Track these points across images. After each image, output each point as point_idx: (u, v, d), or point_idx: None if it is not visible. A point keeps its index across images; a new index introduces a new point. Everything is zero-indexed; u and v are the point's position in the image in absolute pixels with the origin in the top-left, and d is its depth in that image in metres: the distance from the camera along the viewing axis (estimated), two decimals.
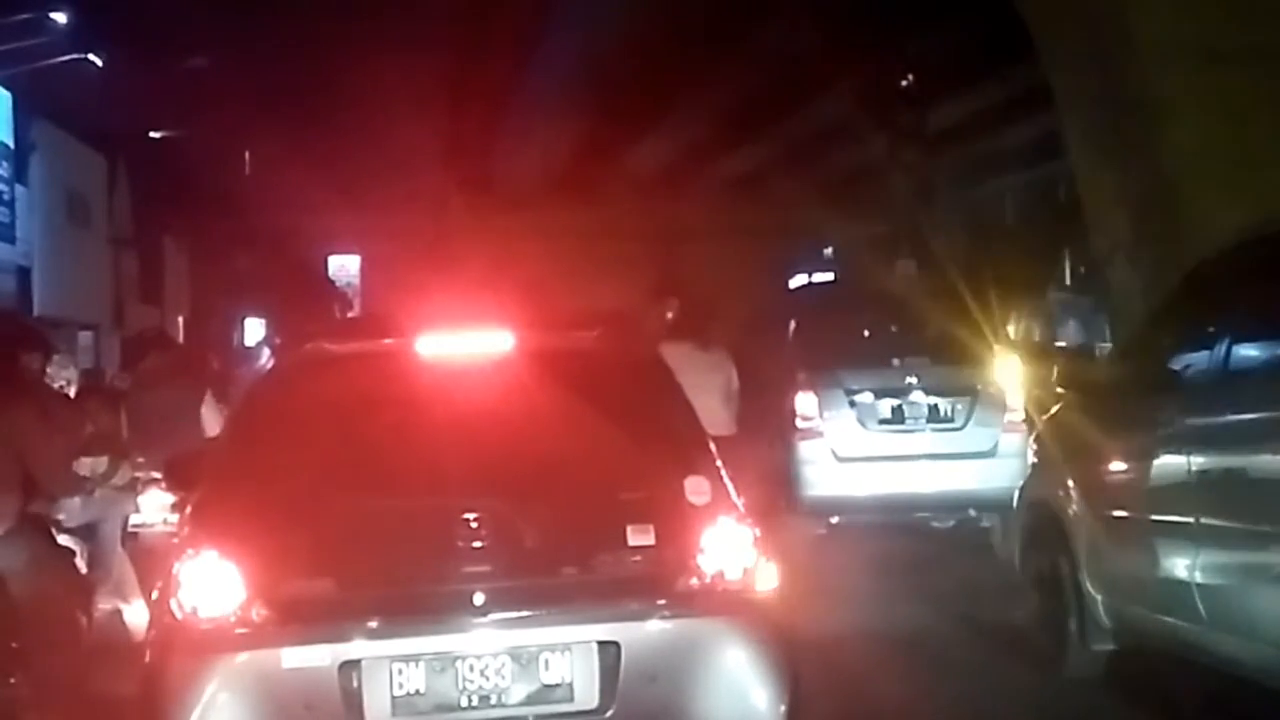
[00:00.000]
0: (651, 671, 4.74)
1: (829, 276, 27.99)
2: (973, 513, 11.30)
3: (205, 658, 4.67)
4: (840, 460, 11.25)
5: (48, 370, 8.65)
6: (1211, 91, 11.09)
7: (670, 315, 9.94)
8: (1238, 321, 5.98)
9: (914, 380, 11.32)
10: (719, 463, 5.18)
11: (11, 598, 6.95)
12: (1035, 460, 8.10)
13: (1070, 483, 7.18)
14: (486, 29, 24.65)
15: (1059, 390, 7.97)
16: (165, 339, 11.91)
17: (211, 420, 8.99)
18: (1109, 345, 12.94)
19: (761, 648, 4.83)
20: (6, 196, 28.58)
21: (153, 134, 35.49)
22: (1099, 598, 6.84)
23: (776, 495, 10.94)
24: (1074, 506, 7.08)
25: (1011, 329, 16.46)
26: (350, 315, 31.90)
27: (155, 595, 5.09)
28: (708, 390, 8.94)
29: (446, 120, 29.30)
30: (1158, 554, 6.27)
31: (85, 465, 8.32)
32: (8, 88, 27.78)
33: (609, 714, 4.72)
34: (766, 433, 10.97)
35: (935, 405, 11.30)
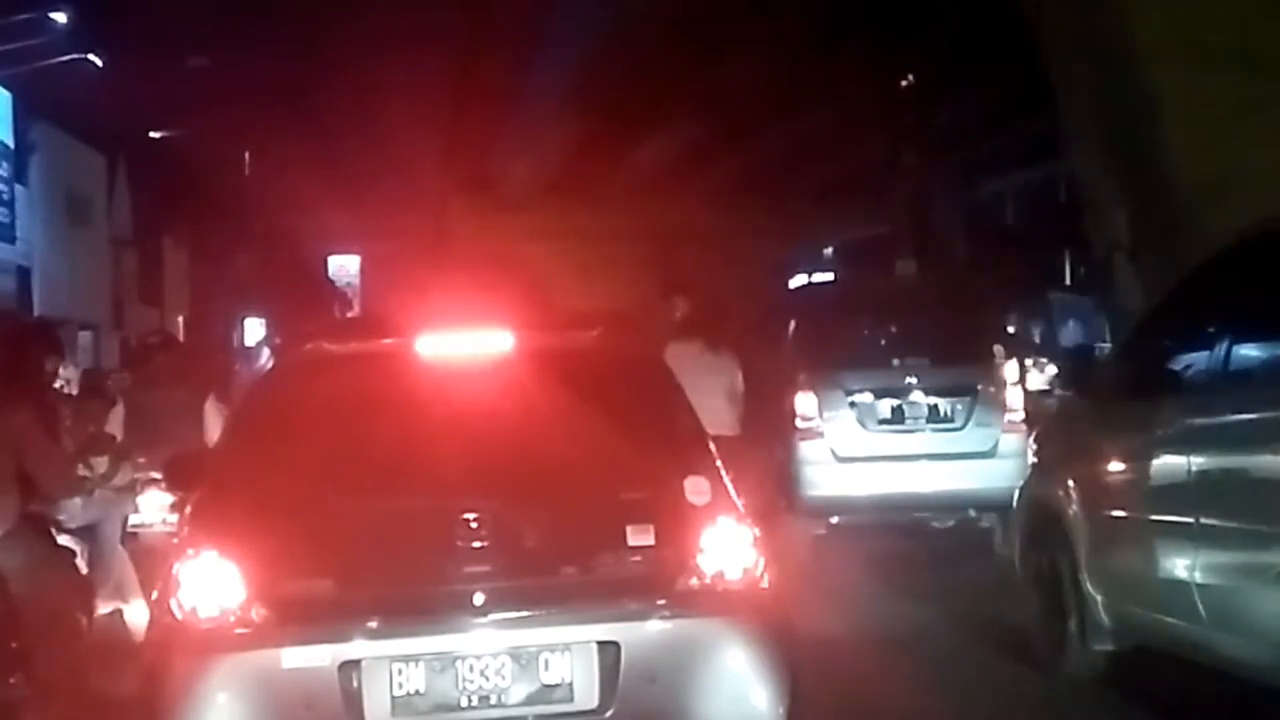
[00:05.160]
0: (651, 671, 4.74)
1: (829, 276, 27.98)
2: (973, 513, 11.29)
3: (205, 658, 4.67)
4: (840, 460, 11.25)
5: (60, 372, 8.64)
6: (1211, 92, 11.10)
7: (679, 315, 9.95)
8: (1238, 321, 5.98)
9: (914, 380, 11.31)
10: (719, 463, 5.18)
11: (11, 598, 6.95)
12: (1035, 460, 8.09)
13: (1070, 483, 7.17)
14: (486, 29, 24.64)
15: (1060, 390, 7.98)
16: (171, 340, 11.91)
17: (214, 421, 8.98)
18: (1109, 345, 12.94)
19: (761, 648, 4.83)
20: (6, 196, 28.59)
21: (153, 134, 35.54)
22: (1099, 598, 6.83)
23: (776, 495, 10.93)
24: (1074, 506, 7.08)
25: (1011, 329, 16.46)
26: (350, 315, 31.91)
27: (155, 595, 5.09)
28: (712, 391, 8.95)
29: (446, 120, 29.29)
30: (1158, 554, 6.27)
31: (100, 464, 8.31)
32: (8, 88, 27.80)
33: (609, 714, 4.72)
34: (766, 433, 10.97)
35: (935, 405, 11.29)
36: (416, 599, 4.77)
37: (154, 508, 8.87)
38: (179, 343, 14.47)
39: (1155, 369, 6.56)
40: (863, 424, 11.30)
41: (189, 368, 10.52)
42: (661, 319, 9.94)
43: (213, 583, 4.73)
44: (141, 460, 8.69)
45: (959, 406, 11.29)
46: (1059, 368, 10.89)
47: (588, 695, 4.73)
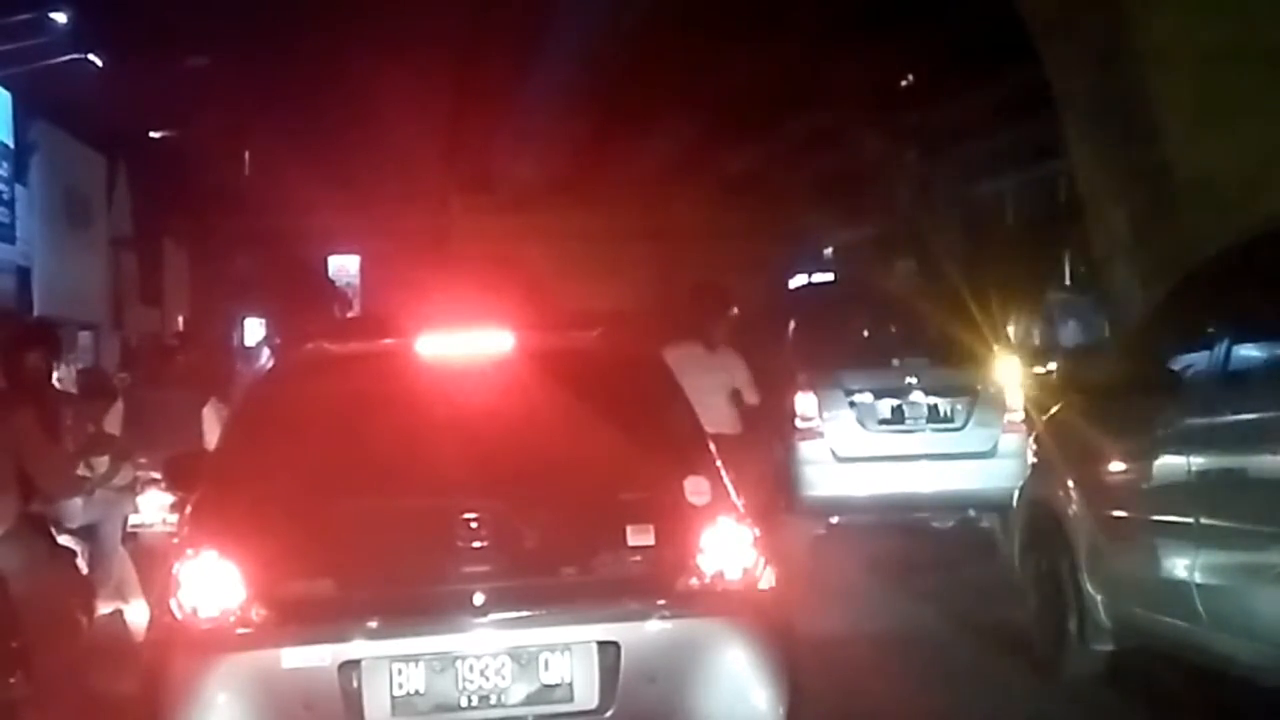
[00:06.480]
0: (651, 671, 4.74)
1: (829, 276, 27.96)
2: (973, 513, 11.28)
3: (205, 658, 4.67)
4: (840, 460, 11.24)
5: (55, 372, 8.65)
6: (1212, 91, 11.08)
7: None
8: (1238, 321, 5.98)
9: (914, 380, 11.30)
10: (719, 463, 5.18)
11: (11, 598, 6.95)
12: (1035, 460, 8.08)
13: (1070, 483, 7.17)
14: (487, 29, 24.66)
15: (1059, 390, 7.98)
16: (188, 342, 11.96)
17: (212, 424, 8.98)
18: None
19: (761, 648, 4.83)
20: (6, 196, 28.56)
21: (153, 134, 35.55)
22: (1099, 598, 6.83)
23: (776, 495, 10.93)
24: (1074, 506, 7.08)
25: (1011, 329, 16.46)
26: (350, 315, 31.92)
27: (155, 595, 5.09)
28: (713, 390, 8.97)
29: (446, 120, 29.30)
30: (1158, 554, 6.26)
31: (100, 464, 8.32)
32: (8, 88, 27.78)
33: (609, 714, 4.72)
34: (766, 433, 10.96)
35: (935, 405, 11.28)
36: (416, 599, 4.77)
37: (154, 508, 8.87)
38: (194, 344, 14.50)
39: (1155, 369, 6.56)
40: (863, 424, 11.29)
41: (192, 368, 10.55)
42: (678, 318, 9.99)
43: (213, 583, 4.73)
44: (142, 460, 8.69)
45: (959, 406, 11.28)
46: (1058, 367, 10.87)
47: (588, 695, 4.73)
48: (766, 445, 10.99)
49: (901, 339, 11.91)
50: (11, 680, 6.85)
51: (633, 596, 4.80)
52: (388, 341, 5.46)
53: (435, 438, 5.02)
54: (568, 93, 24.64)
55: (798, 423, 11.24)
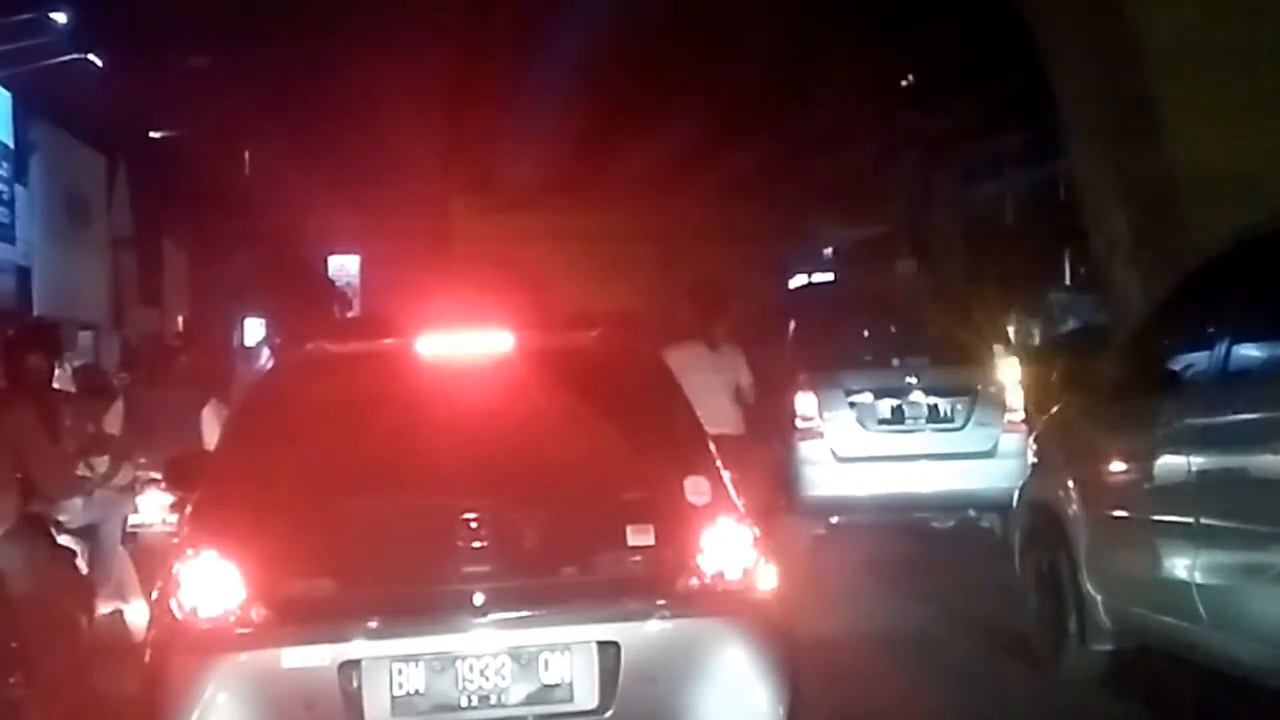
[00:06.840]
0: (651, 671, 4.74)
1: (829, 276, 27.97)
2: (973, 513, 11.29)
3: (205, 658, 4.67)
4: (840, 460, 11.25)
5: (56, 372, 8.66)
6: (1212, 91, 11.09)
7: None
8: (1238, 321, 5.98)
9: (914, 380, 11.31)
10: (719, 462, 5.18)
11: (11, 598, 6.96)
12: (1035, 460, 8.09)
13: (1070, 483, 7.17)
14: (486, 29, 24.67)
15: (1059, 390, 7.99)
16: (190, 342, 11.97)
17: (212, 426, 8.99)
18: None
19: (761, 648, 4.83)
20: (6, 196, 28.57)
21: (153, 134, 35.56)
22: (1099, 598, 6.83)
23: (776, 495, 10.93)
24: (1074, 506, 7.08)
25: (1011, 329, 16.44)
26: (350, 315, 31.92)
27: (155, 595, 5.09)
28: (715, 389, 8.98)
29: (446, 120, 29.31)
30: (1158, 554, 6.27)
31: (100, 464, 8.32)
32: (8, 88, 27.79)
33: (609, 714, 4.72)
34: (766, 432, 10.97)
35: (935, 405, 11.29)
36: (416, 599, 4.77)
37: (154, 508, 8.87)
38: (194, 344, 14.53)
39: (1155, 369, 6.56)
40: (863, 424, 11.30)
41: (192, 368, 10.56)
42: (681, 319, 9.99)
43: (213, 583, 4.72)
44: (142, 460, 8.69)
45: (959, 406, 11.29)
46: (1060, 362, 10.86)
47: (588, 695, 4.73)
48: (767, 445, 10.99)
49: (901, 339, 11.91)
50: (11, 680, 6.87)
51: (633, 596, 4.80)
52: (388, 341, 5.46)
53: (435, 438, 5.02)
54: (568, 93, 24.65)
55: (798, 423, 11.25)
